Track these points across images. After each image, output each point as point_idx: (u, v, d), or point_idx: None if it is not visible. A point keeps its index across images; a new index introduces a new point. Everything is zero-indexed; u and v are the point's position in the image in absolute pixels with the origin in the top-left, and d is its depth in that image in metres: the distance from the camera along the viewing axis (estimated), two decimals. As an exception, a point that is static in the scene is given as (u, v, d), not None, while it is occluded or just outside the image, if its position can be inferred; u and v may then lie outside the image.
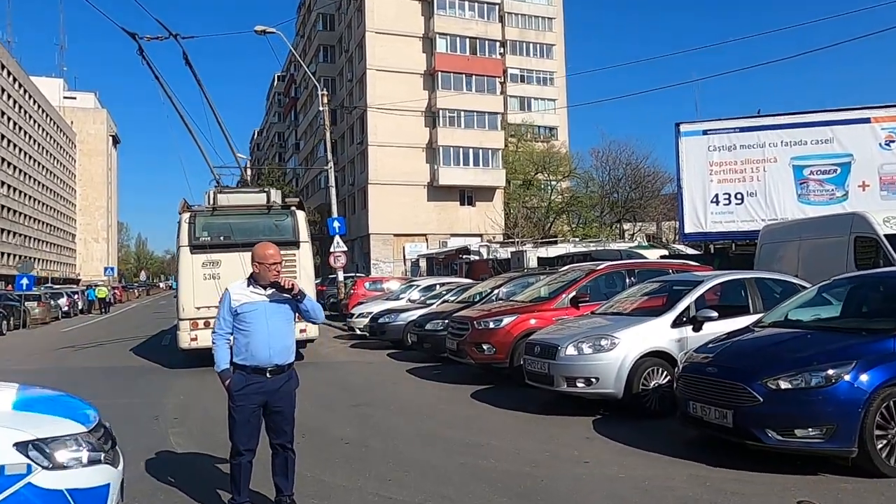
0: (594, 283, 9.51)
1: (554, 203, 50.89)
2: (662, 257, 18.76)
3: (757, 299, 7.23)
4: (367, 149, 46.15)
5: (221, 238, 11.47)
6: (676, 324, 6.83)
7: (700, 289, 7.16)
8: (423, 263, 40.92)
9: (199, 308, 11.15)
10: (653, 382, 6.64)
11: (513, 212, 49.91)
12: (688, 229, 18.84)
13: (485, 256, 32.41)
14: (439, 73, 46.78)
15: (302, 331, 11.27)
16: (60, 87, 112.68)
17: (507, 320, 8.86)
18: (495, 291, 11.74)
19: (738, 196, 18.11)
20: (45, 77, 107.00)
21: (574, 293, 9.10)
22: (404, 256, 45.09)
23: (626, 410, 6.64)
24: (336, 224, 23.15)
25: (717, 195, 18.27)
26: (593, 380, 6.59)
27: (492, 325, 8.90)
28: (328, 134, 24.63)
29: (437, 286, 16.22)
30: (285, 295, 4.10)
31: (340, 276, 23.14)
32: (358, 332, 15.85)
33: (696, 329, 6.80)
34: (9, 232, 76.96)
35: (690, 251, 22.46)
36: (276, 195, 12.41)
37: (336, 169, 56.10)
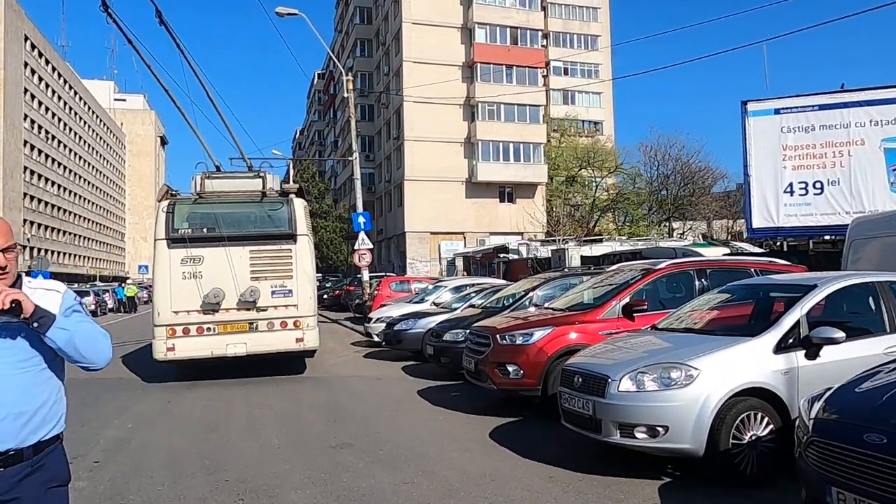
0: (652, 287, 7.40)
1: (599, 200, 48.37)
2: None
3: (893, 312, 5.05)
4: (404, 144, 44.49)
5: (204, 230, 9.79)
6: (782, 348, 4.70)
7: (815, 296, 4.99)
8: (459, 263, 39.02)
9: (177, 312, 9.50)
10: (748, 434, 4.53)
11: (555, 209, 47.64)
12: (756, 224, 16.34)
13: (524, 255, 30.36)
14: (478, 65, 44.79)
15: (298, 339, 9.53)
16: (111, 90, 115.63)
17: (539, 334, 6.85)
18: (529, 295, 9.72)
19: (818, 185, 15.54)
20: (96, 80, 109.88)
21: (627, 299, 7.02)
22: (440, 255, 43.26)
23: (709, 472, 4.57)
24: (361, 219, 21.42)
25: (791, 184, 15.73)
26: (660, 429, 4.52)
27: (519, 341, 6.90)
28: (354, 122, 22.92)
29: (467, 287, 14.27)
30: (9, 319, 2.10)
31: (365, 275, 21.39)
32: (375, 338, 14.04)
33: (811, 356, 4.67)
34: (59, 230, 78.52)
35: (755, 250, 19.86)
36: (273, 181, 10.68)
37: (372, 166, 55.04)
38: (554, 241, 31.76)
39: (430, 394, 8.53)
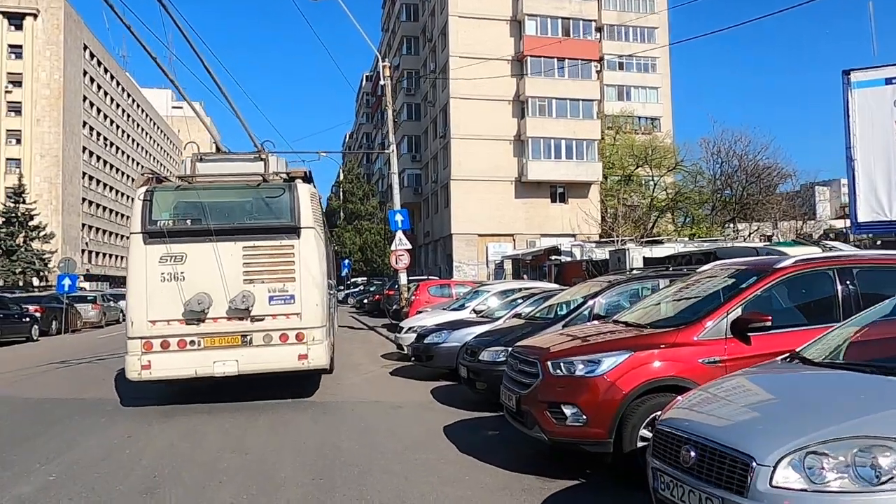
0: (772, 294, 5.20)
1: (657, 200, 45.39)
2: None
3: None
4: (450, 142, 42.65)
5: (188, 222, 8.05)
6: None
7: None
8: (508, 266, 36.87)
9: (154, 322, 7.77)
10: None
11: (610, 210, 44.99)
12: (862, 217, 13.67)
13: (578, 257, 28.04)
14: (528, 58, 42.59)
15: (301, 356, 7.66)
16: (168, 98, 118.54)
17: (610, 362, 4.73)
18: (588, 304, 7.58)
19: (942, 169, 12.79)
20: (154, 88, 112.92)
21: (738, 311, 4.84)
22: (487, 258, 41.14)
23: None
24: (399, 218, 19.61)
25: (907, 169, 13.02)
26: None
27: (581, 371, 4.80)
28: (391, 112, 21.12)
29: (514, 292, 12.19)
30: None
31: (403, 278, 19.54)
32: (406, 351, 12.10)
33: None
34: (116, 234, 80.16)
35: (852, 249, 17.00)
36: (278, 164, 8.88)
37: (419, 167, 53.38)
38: (611, 241, 29.24)
39: (461, 432, 6.50)
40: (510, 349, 6.48)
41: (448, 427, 6.74)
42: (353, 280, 47.68)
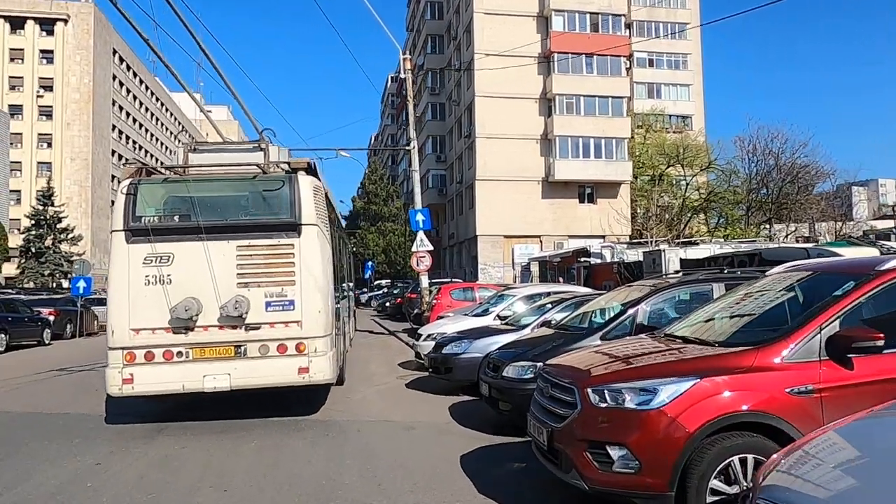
0: (870, 305, 4.10)
1: (689, 200, 43.83)
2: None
3: None
4: (475, 142, 41.65)
5: (176, 218, 7.19)
6: None
7: None
8: (535, 268, 35.69)
9: (137, 331, 6.92)
10: None
11: (640, 210, 43.61)
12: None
13: (608, 260, 26.81)
14: (555, 55, 41.42)
15: (302, 370, 6.76)
16: (201, 102, 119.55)
17: (670, 391, 3.68)
18: (630, 312, 6.51)
19: None
20: (184, 92, 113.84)
21: (835, 325, 3.77)
22: (513, 260, 40.01)
23: None
24: (420, 217, 18.69)
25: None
26: None
27: (632, 402, 3.76)
28: (411, 106, 20.21)
29: (542, 296, 11.15)
30: None
31: (424, 281, 18.61)
32: (424, 361, 11.13)
33: None
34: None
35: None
36: (280, 154, 7.99)
37: (443, 167, 52.43)
38: (644, 243, 27.93)
39: (481, 464, 5.50)
40: (538, 364, 5.47)
41: (466, 456, 5.74)
42: (376, 283, 46.87)
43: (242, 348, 7.05)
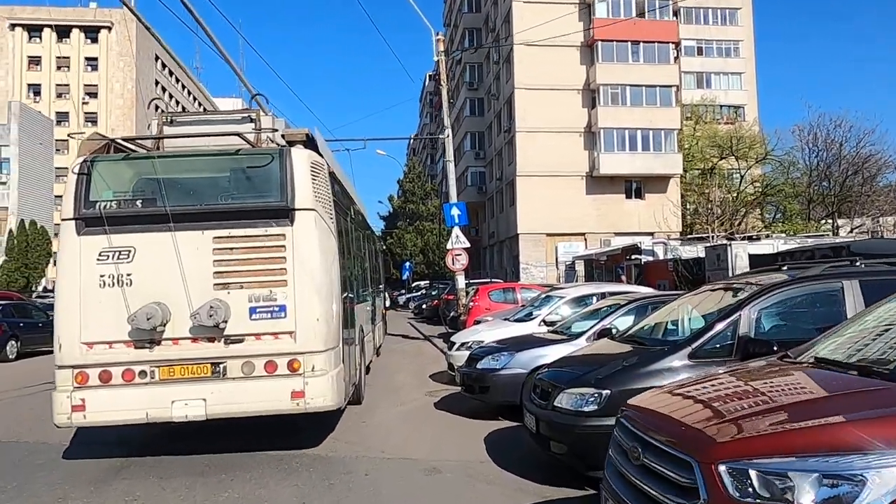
0: None
1: (744, 194, 41.11)
2: None
3: None
4: (515, 136, 39.87)
5: (139, 204, 5.76)
6: None
7: None
8: (579, 267, 33.69)
9: (90, 345, 5.52)
10: None
11: (689, 205, 41.17)
12: None
13: (660, 257, 24.78)
14: (599, 43, 39.31)
15: (296, 394, 5.27)
16: (238, 106, 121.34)
17: (887, 478, 1.97)
18: (730, 320, 4.74)
19: None
20: (225, 98, 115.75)
21: None
22: (556, 259, 38.01)
23: None
24: (455, 212, 17.09)
25: None
26: None
27: (810, 498, 2.06)
28: (444, 90, 18.69)
29: (594, 298, 9.42)
30: None
31: (460, 281, 16.97)
32: (456, 375, 9.53)
33: None
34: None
35: None
36: (274, 123, 6.48)
37: (482, 164, 50.69)
38: (704, 238, 25.72)
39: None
40: (606, 393, 3.83)
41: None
42: (415, 284, 45.45)
43: (221, 367, 5.58)
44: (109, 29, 69.95)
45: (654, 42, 39.99)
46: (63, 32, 69.47)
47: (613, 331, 6.66)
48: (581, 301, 9.67)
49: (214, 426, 6.14)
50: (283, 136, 6.27)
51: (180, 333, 5.53)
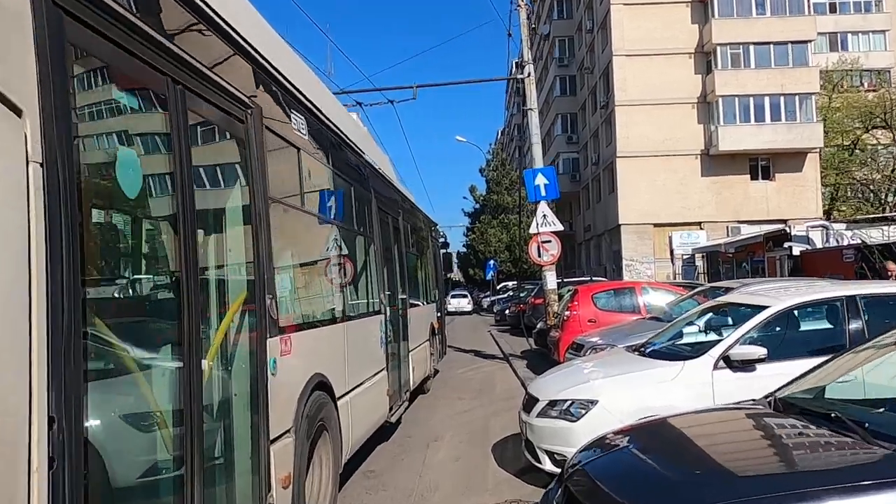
0: None
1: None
2: None
3: None
4: (614, 112, 34.28)
5: None
6: None
7: None
8: (700, 262, 27.66)
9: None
10: None
11: (825, 187, 34.23)
12: None
13: (818, 245, 18.74)
14: (715, -4, 33.09)
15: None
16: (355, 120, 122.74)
17: None
18: None
19: None
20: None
21: None
22: (671, 252, 31.91)
23: None
24: (540, 180, 12.17)
25: None
26: None
27: None
28: (523, 14, 13.75)
29: (845, 310, 4.30)
30: None
31: (550, 280, 12.05)
32: (542, 462, 4.70)
33: None
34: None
35: None
36: None
37: (576, 149, 45.05)
38: (886, 219, 19.37)
39: None
40: None
41: None
42: (502, 284, 40.41)
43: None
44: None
45: (783, -10, 33.29)
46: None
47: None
48: (812, 316, 4.58)
49: None
50: None
51: None
